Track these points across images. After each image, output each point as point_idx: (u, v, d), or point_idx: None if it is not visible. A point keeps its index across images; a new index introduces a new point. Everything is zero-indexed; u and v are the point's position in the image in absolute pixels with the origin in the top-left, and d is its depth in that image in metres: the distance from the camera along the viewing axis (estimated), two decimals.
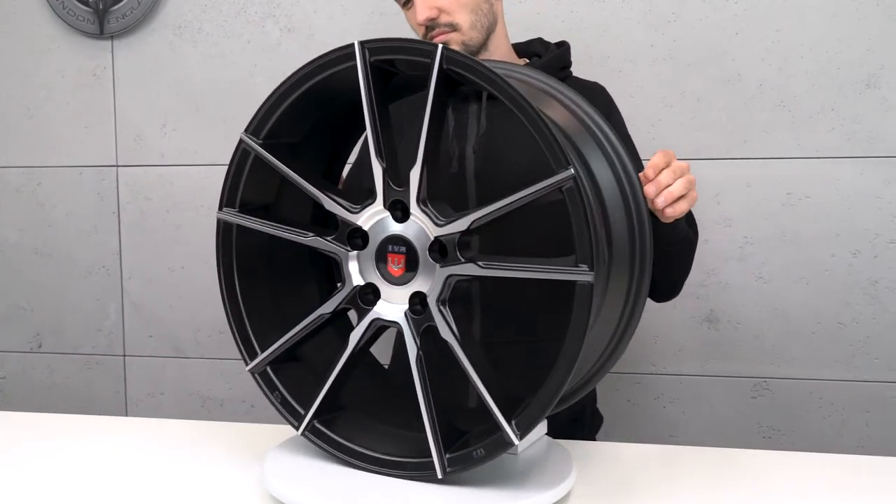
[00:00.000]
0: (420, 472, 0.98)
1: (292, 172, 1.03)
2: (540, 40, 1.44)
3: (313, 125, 1.11)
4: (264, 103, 1.05)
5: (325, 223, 1.10)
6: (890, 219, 1.76)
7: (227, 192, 1.07)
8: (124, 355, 2.13)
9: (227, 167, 1.06)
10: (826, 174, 1.78)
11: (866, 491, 1.02)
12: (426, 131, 0.95)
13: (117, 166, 2.07)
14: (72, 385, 2.16)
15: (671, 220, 1.05)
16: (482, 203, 0.93)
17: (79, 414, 1.32)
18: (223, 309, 1.10)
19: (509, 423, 0.92)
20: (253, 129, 1.06)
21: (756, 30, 1.77)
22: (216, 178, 2.01)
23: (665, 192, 1.02)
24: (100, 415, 1.34)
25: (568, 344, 0.87)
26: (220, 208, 1.07)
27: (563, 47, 1.40)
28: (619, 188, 1.00)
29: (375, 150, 0.98)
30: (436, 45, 0.92)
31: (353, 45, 0.97)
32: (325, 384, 1.04)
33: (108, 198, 2.09)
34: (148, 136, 2.05)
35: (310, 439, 1.05)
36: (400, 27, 1.90)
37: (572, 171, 0.85)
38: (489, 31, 1.33)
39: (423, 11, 1.27)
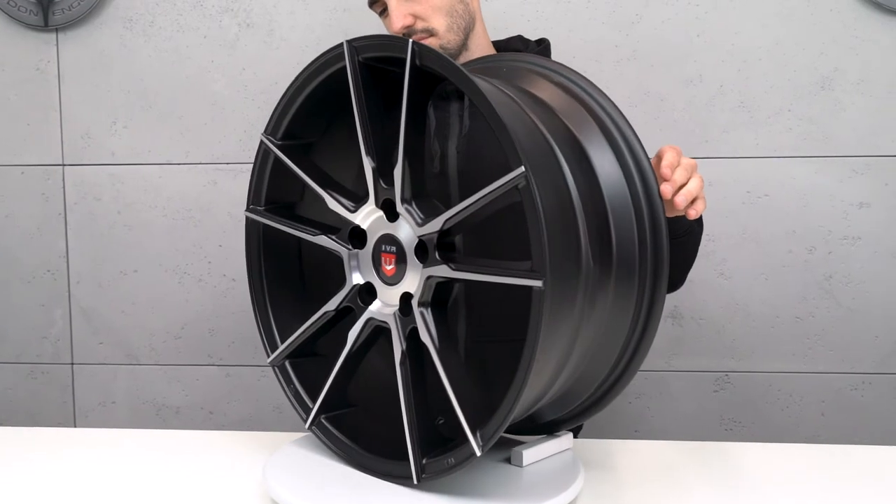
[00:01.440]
0: (399, 475, 0.97)
1: (300, 171, 1.03)
2: (520, 37, 1.43)
3: (336, 122, 1.10)
4: (277, 105, 1.07)
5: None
6: (843, 216, 1.83)
7: (253, 190, 1.12)
8: (72, 363, 2.03)
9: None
10: (783, 173, 1.83)
11: (832, 479, 1.06)
12: (404, 128, 0.94)
13: (63, 165, 1.97)
14: (14, 396, 2.05)
15: (692, 219, 1.03)
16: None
17: (23, 426, 1.28)
18: (252, 305, 1.14)
19: (474, 433, 0.90)
20: (271, 129, 1.08)
21: (716, 32, 1.82)
22: (170, 178, 1.95)
23: (684, 191, 1.00)
24: (46, 426, 1.29)
25: (524, 354, 0.85)
26: (247, 207, 1.12)
27: (542, 45, 1.40)
28: (627, 184, 0.97)
29: (365, 147, 0.98)
30: (406, 40, 0.92)
31: (342, 44, 0.97)
32: (326, 381, 1.04)
33: (54, 198, 1.99)
34: (97, 133, 1.96)
35: (315, 434, 1.07)
36: (364, 24, 1.88)
37: (522, 169, 0.83)
38: (467, 32, 1.32)
39: (398, 20, 1.27)
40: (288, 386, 1.11)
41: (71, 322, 2.02)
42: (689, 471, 1.09)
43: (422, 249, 0.96)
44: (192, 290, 1.98)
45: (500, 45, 1.43)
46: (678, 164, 1.01)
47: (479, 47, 1.36)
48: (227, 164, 1.93)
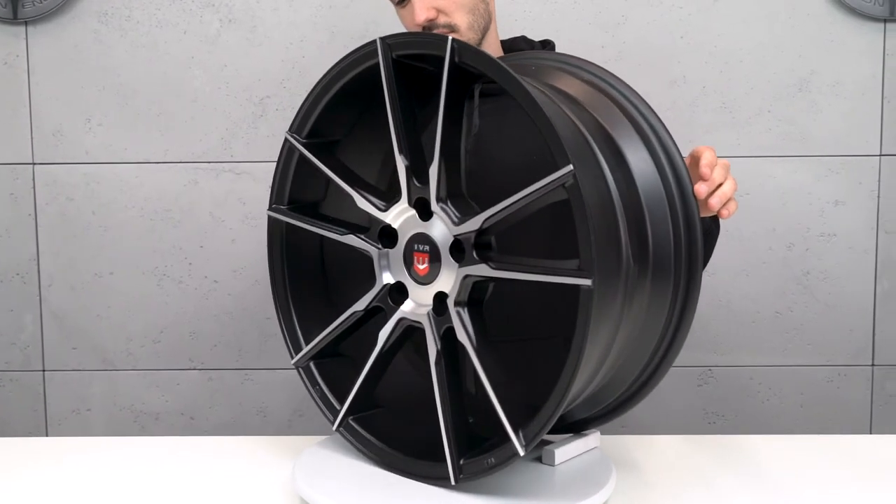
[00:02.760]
0: (435, 476, 0.97)
1: (327, 169, 1.02)
2: (524, 38, 1.44)
3: (362, 119, 1.08)
4: (303, 103, 1.05)
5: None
6: (819, 214, 1.89)
7: (276, 189, 1.09)
8: (43, 370, 1.95)
9: (275, 164, 1.09)
10: (763, 172, 1.88)
11: (847, 469, 1.10)
12: (441, 127, 0.94)
13: (33, 164, 1.90)
14: None
15: (725, 219, 1.05)
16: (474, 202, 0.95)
17: None
18: (273, 303, 1.13)
19: (517, 433, 0.91)
20: (296, 127, 1.05)
21: (699, 34, 1.85)
22: (148, 177, 1.89)
23: (719, 192, 1.01)
24: (15, 436, 1.25)
25: (571, 353, 0.86)
26: (270, 206, 1.09)
27: (548, 46, 1.41)
28: (662, 183, 0.98)
29: (398, 146, 0.96)
30: (445, 37, 0.91)
31: (375, 41, 0.96)
32: (356, 382, 1.03)
33: (24, 198, 1.91)
34: (69, 131, 1.89)
35: (343, 436, 1.05)
36: (351, 20, 1.86)
37: (571, 167, 0.83)
38: (484, 32, 1.32)
39: (421, 12, 1.24)
40: (313, 387, 1.09)
41: (42, 327, 1.94)
42: (710, 464, 1.11)
43: (457, 248, 0.96)
44: (171, 292, 1.93)
45: (504, 46, 1.43)
46: (716, 164, 1.02)
47: (492, 47, 1.36)
48: (209, 163, 1.89)
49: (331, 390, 1.08)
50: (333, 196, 1.12)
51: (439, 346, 0.98)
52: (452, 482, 0.95)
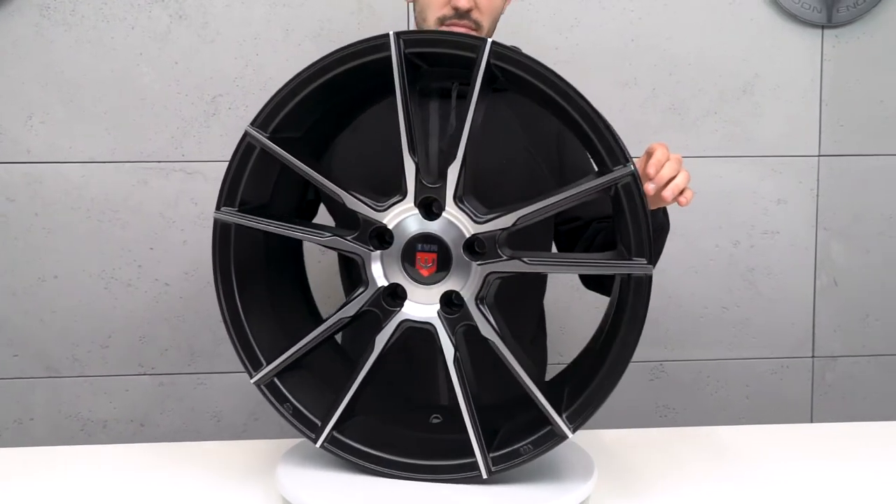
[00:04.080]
0: (462, 473, 0.97)
1: (310, 169, 0.98)
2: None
3: (315, 120, 1.05)
4: (276, 95, 0.98)
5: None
6: (763, 212, 1.97)
7: (228, 189, 1.00)
8: None
9: (227, 163, 1.00)
10: (710, 172, 1.94)
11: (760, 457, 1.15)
12: (469, 127, 0.93)
13: None
14: None
15: (683, 206, 1.10)
16: None
17: None
18: (221, 317, 1.02)
19: (560, 416, 0.93)
20: (260, 122, 0.98)
21: (650, 37, 1.90)
22: (95, 177, 1.83)
23: (671, 185, 1.07)
24: None
25: (627, 335, 0.91)
26: (218, 207, 1.00)
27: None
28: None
29: (409, 146, 0.95)
30: (483, 39, 0.92)
31: (387, 35, 0.94)
32: (347, 391, 0.99)
33: None
34: (9, 129, 1.81)
35: (330, 451, 1.01)
36: (305, 18, 1.84)
37: (632, 167, 0.88)
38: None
39: None
40: (283, 404, 1.01)
41: None
42: (683, 455, 1.14)
43: (471, 247, 0.96)
44: (119, 295, 1.87)
45: None
46: (664, 162, 1.07)
47: None
48: (159, 162, 1.83)
49: (303, 405, 1.02)
50: (280, 197, 1.07)
51: (455, 345, 0.97)
52: (484, 476, 0.96)
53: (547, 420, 0.94)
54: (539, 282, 1.42)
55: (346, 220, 1.11)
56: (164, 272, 1.87)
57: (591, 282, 1.36)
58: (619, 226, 0.92)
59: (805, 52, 1.93)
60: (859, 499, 1.00)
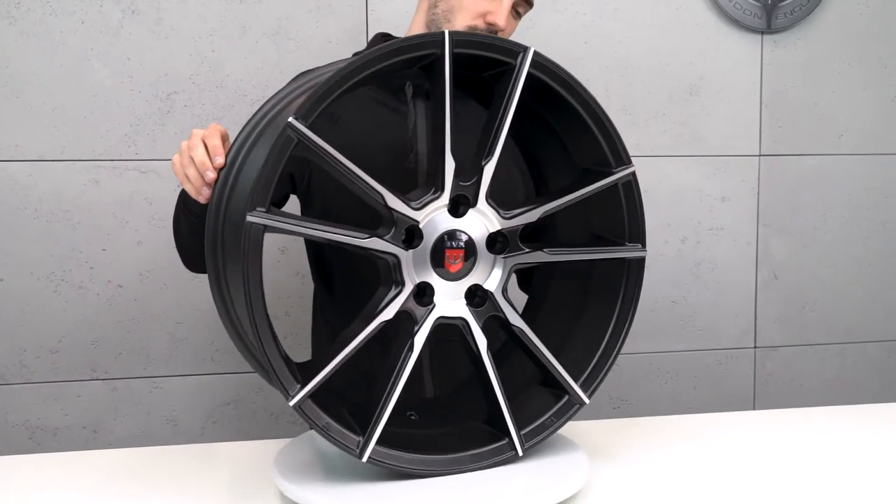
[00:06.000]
0: (500, 456, 1.01)
1: (355, 166, 0.93)
2: (382, 34, 1.42)
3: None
4: (321, 86, 0.89)
5: None
6: (709, 209, 2.05)
7: (261, 189, 0.88)
8: None
9: (265, 159, 0.89)
10: (660, 171, 2.02)
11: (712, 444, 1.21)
12: (507, 129, 0.98)
13: None
14: None
15: None
16: None
17: None
18: (253, 335, 0.90)
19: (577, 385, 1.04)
20: (303, 114, 0.89)
21: (601, 40, 1.96)
22: (43, 176, 1.77)
23: None
24: None
25: (622, 310, 1.07)
26: (251, 209, 0.88)
27: (387, 38, 1.41)
28: None
29: (451, 147, 0.97)
30: (526, 47, 0.97)
31: (443, 32, 0.95)
32: (390, 398, 0.96)
33: None
34: None
35: (377, 464, 0.96)
36: (263, 16, 1.82)
37: (633, 168, 1.00)
38: None
39: (502, 18, 1.25)
40: (319, 422, 0.94)
41: None
42: (634, 443, 1.19)
43: (492, 241, 1.01)
44: (70, 298, 1.81)
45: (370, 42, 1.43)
46: None
47: None
48: (111, 160, 1.79)
49: (335, 419, 0.95)
50: (275, 196, 1.02)
51: (485, 336, 1.01)
52: (520, 453, 1.02)
53: (560, 394, 1.05)
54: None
55: (328, 219, 1.10)
56: (117, 274, 1.82)
57: (523, 283, 1.40)
58: (616, 215, 1.05)
59: (746, 56, 2.03)
60: (798, 479, 1.06)
